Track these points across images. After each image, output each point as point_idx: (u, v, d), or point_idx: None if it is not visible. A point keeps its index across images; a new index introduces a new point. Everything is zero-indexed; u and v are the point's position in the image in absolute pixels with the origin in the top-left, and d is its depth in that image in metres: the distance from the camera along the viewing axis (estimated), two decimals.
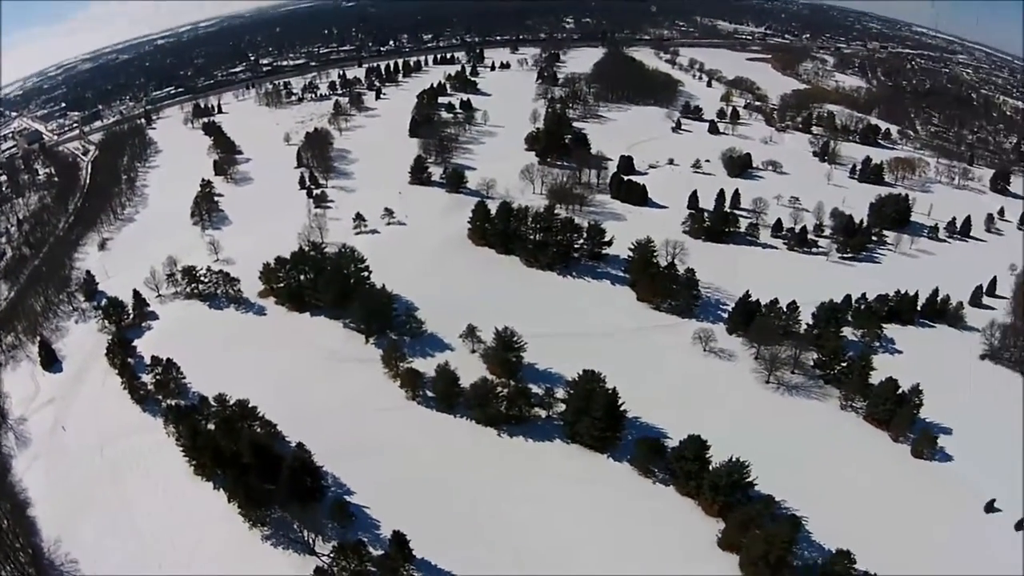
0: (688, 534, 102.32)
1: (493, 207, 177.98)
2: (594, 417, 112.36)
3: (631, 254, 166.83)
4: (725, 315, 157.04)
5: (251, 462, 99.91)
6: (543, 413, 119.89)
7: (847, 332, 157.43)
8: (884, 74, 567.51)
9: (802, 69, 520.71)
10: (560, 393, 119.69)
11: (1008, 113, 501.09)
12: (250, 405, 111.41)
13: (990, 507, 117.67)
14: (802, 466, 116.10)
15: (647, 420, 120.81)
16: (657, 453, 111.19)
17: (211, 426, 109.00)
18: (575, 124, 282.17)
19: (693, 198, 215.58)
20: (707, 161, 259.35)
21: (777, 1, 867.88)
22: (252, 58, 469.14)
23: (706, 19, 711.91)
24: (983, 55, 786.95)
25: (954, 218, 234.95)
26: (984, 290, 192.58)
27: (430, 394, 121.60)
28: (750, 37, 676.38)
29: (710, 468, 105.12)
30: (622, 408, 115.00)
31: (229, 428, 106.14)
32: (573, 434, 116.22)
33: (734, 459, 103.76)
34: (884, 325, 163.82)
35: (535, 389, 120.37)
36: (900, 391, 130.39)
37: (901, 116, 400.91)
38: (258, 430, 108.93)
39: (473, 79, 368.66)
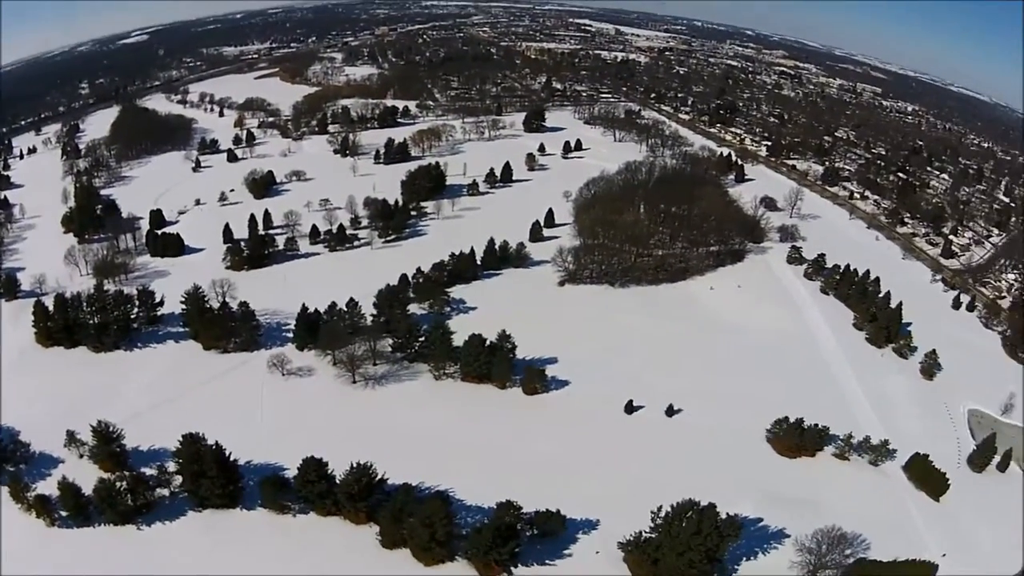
0: (349, 549, 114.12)
1: (51, 303, 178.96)
2: (211, 477, 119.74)
3: (184, 307, 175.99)
4: (291, 335, 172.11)
5: None
6: (166, 492, 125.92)
7: (414, 309, 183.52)
8: (395, 55, 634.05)
9: (311, 73, 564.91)
10: (172, 466, 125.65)
11: (533, 56, 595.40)
12: None
13: (630, 407, 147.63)
14: (424, 445, 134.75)
15: (259, 460, 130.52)
16: (282, 487, 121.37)
17: None
18: (104, 191, 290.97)
19: (227, 232, 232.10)
20: (232, 191, 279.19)
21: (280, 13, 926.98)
22: None
23: (211, 48, 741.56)
24: (500, 11, 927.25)
25: (492, 169, 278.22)
26: (542, 224, 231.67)
27: (64, 513, 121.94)
28: (256, 55, 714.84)
29: (337, 481, 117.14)
30: (232, 458, 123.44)
31: None
32: (201, 500, 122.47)
33: (355, 464, 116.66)
34: (448, 290, 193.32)
35: (149, 472, 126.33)
36: (488, 343, 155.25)
37: (419, 91, 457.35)
38: None
39: (5, 173, 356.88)
